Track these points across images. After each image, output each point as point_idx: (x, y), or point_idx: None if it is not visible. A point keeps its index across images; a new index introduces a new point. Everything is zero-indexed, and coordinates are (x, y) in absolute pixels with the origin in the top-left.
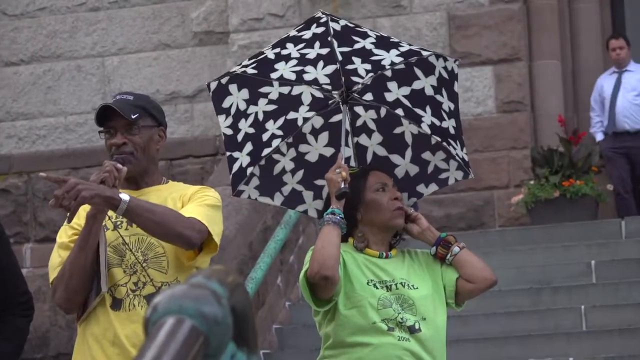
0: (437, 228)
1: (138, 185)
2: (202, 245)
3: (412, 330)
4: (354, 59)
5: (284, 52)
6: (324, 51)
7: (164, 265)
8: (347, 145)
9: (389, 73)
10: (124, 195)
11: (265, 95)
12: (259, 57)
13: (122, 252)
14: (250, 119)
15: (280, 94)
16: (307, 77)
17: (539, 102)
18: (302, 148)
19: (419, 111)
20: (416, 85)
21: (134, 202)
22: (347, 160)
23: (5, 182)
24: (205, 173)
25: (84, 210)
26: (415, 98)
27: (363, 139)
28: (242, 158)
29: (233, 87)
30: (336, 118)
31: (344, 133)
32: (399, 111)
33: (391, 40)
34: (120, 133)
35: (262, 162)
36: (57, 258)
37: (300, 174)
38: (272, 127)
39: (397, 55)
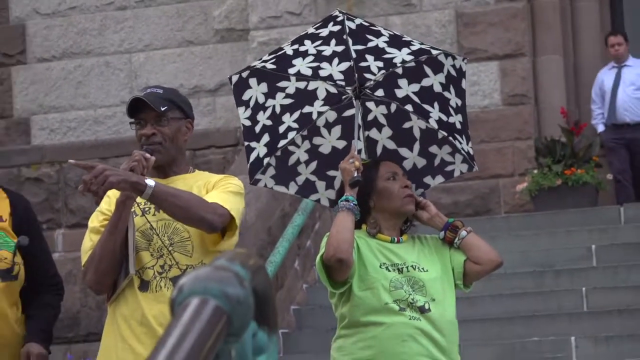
0: (445, 214)
1: (166, 174)
2: (225, 229)
3: (422, 310)
4: (367, 56)
5: (302, 48)
6: (339, 49)
7: (189, 249)
8: (358, 138)
9: (399, 70)
10: (150, 181)
11: (283, 89)
12: (278, 53)
13: (150, 237)
14: (268, 112)
15: (296, 88)
16: (322, 73)
17: (542, 95)
18: (316, 140)
19: (427, 107)
20: (425, 82)
21: (158, 187)
22: (358, 152)
23: (38, 171)
24: (227, 163)
25: (115, 196)
26: (424, 95)
27: (374, 133)
28: (260, 148)
29: (253, 81)
30: (349, 112)
31: (357, 126)
32: (409, 107)
33: (403, 39)
34: (150, 124)
35: (278, 153)
36: (89, 242)
37: (313, 165)
38: (288, 120)
39: (408, 54)
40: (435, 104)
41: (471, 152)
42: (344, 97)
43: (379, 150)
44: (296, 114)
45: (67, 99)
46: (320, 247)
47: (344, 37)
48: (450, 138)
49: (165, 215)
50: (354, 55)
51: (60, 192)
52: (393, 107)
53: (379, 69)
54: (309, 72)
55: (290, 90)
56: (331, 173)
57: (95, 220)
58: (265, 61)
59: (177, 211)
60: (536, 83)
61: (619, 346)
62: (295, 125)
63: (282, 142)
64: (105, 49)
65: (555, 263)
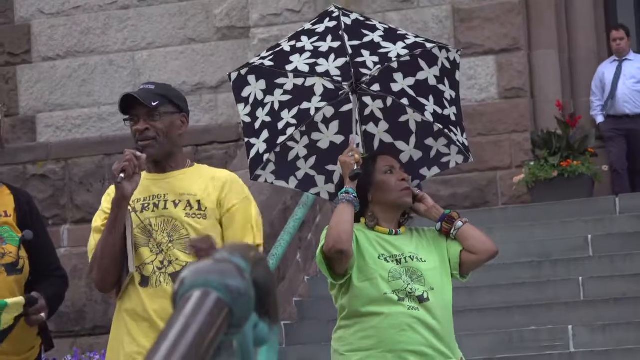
0: (443, 206)
1: (164, 169)
2: None
3: (420, 299)
4: (363, 51)
5: (299, 44)
6: (336, 44)
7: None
8: (356, 133)
9: (395, 65)
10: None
11: (281, 86)
12: (276, 50)
13: (149, 233)
14: (267, 108)
15: (294, 85)
16: (319, 69)
17: (538, 88)
18: (315, 136)
19: (422, 100)
20: (420, 76)
21: None
22: (357, 146)
23: (44, 168)
24: (229, 158)
25: (115, 194)
26: (419, 88)
27: (370, 127)
28: (259, 145)
29: (252, 78)
30: (346, 108)
31: (355, 121)
32: (404, 101)
33: (398, 32)
34: (142, 119)
35: (278, 149)
36: (93, 241)
37: (312, 159)
38: (287, 116)
39: (403, 48)
40: (430, 97)
41: (466, 143)
42: (340, 92)
43: (376, 144)
44: (294, 110)
45: (72, 97)
46: (321, 239)
47: (340, 33)
48: (446, 130)
49: (164, 211)
50: (349, 51)
51: (65, 188)
52: (389, 101)
53: (375, 63)
54: (306, 69)
55: (288, 86)
56: (330, 167)
57: (98, 220)
58: (263, 58)
59: None
60: (532, 77)
61: (615, 334)
62: (293, 121)
63: (281, 138)
64: (109, 48)
65: (552, 253)
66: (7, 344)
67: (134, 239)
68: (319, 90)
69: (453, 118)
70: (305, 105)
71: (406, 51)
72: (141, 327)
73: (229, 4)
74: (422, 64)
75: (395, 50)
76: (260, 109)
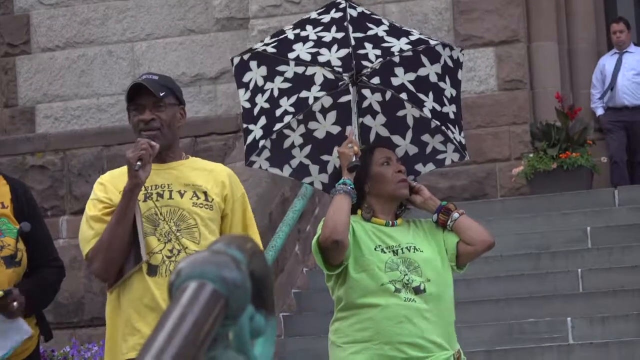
0: (442, 198)
1: (164, 160)
2: None
3: (417, 290)
4: (366, 44)
5: (303, 33)
6: (339, 35)
7: (196, 236)
8: (354, 124)
9: (397, 59)
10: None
11: (282, 73)
12: (280, 37)
13: (156, 222)
14: (266, 95)
15: (295, 73)
16: (321, 58)
17: (538, 80)
18: (311, 125)
19: (422, 96)
20: (421, 72)
21: None
22: None
23: (43, 159)
24: (228, 149)
25: (111, 184)
26: (419, 84)
27: (367, 120)
28: (256, 131)
29: (253, 64)
30: (344, 99)
31: (354, 113)
32: (403, 95)
33: (403, 28)
34: (148, 110)
35: (274, 136)
36: (90, 230)
37: (308, 149)
38: (285, 103)
39: (407, 43)
40: (430, 94)
41: (463, 141)
42: (340, 83)
43: (372, 137)
44: (293, 98)
45: (71, 87)
46: (317, 230)
47: (345, 24)
48: (443, 127)
49: (170, 201)
50: (352, 42)
51: (64, 179)
52: (388, 95)
53: (377, 56)
54: (308, 58)
55: (289, 74)
56: (325, 157)
57: (94, 209)
58: (267, 44)
59: None
60: (531, 68)
61: (614, 326)
62: (291, 110)
63: (277, 126)
64: (108, 39)
65: (551, 245)
66: None
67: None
68: (319, 79)
69: (452, 116)
70: (304, 94)
71: (409, 46)
72: (146, 318)
73: None
74: (424, 60)
75: (399, 45)
76: (260, 95)
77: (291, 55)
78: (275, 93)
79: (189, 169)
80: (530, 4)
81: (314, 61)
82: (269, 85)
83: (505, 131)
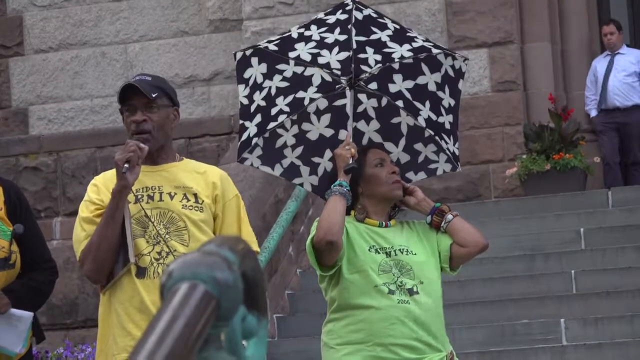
0: (436, 200)
1: (155, 162)
2: None
3: (410, 292)
4: (367, 48)
5: (307, 33)
6: (342, 37)
7: (185, 238)
8: (345, 128)
9: (396, 66)
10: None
11: (281, 72)
12: (284, 35)
13: (145, 224)
14: (264, 93)
15: (294, 72)
16: (320, 60)
17: (531, 81)
18: (305, 126)
19: (418, 105)
20: (420, 80)
21: None
22: None
23: (36, 160)
24: (221, 150)
25: (104, 185)
26: (417, 92)
27: (361, 125)
28: (251, 128)
29: (254, 60)
30: (340, 102)
31: (351, 115)
32: (400, 102)
33: (408, 34)
34: (140, 111)
35: (267, 134)
36: (82, 232)
37: (299, 149)
38: (281, 102)
39: (408, 50)
40: (427, 103)
41: (457, 152)
42: (337, 86)
43: (364, 142)
44: (289, 98)
45: (64, 89)
46: (311, 231)
47: (349, 26)
48: (437, 137)
49: (160, 203)
50: (354, 45)
51: (57, 180)
52: (384, 101)
53: (377, 62)
54: (308, 58)
55: (288, 73)
56: (316, 160)
57: (87, 210)
58: (270, 42)
59: None
60: (525, 70)
61: (607, 327)
62: (286, 109)
63: (271, 124)
64: (101, 40)
65: (545, 246)
66: None
67: (132, 229)
68: (316, 81)
69: (447, 126)
70: (300, 94)
71: (410, 54)
72: (135, 320)
73: None
74: (425, 68)
75: (400, 51)
76: (258, 92)
77: (292, 55)
78: (273, 91)
79: (181, 171)
80: (523, 5)
81: (313, 62)
82: (267, 83)
83: (499, 132)
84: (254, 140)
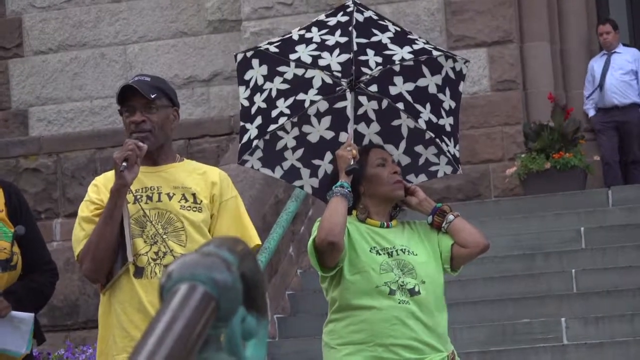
0: (436, 199)
1: (155, 162)
2: None
3: (412, 293)
4: (368, 50)
5: (308, 35)
6: (343, 40)
7: (183, 239)
8: (346, 131)
9: (397, 68)
10: None
11: (282, 74)
12: (285, 37)
13: (143, 224)
14: (265, 95)
15: (294, 74)
16: (321, 62)
17: (530, 80)
18: (305, 128)
19: (418, 107)
20: (421, 82)
21: None
22: None
23: (36, 162)
24: (221, 151)
25: (104, 186)
26: (417, 94)
27: (362, 127)
28: (252, 130)
29: (255, 62)
30: (340, 104)
31: (352, 117)
32: (400, 105)
33: (408, 36)
34: (139, 111)
35: (267, 136)
36: (81, 232)
37: (300, 152)
38: (282, 105)
39: (409, 52)
40: (428, 105)
41: (457, 155)
42: (338, 88)
43: (364, 144)
44: (290, 100)
45: (64, 90)
46: (312, 231)
47: (349, 29)
48: (437, 140)
49: (158, 203)
50: (355, 47)
51: (57, 182)
52: (384, 103)
53: (377, 64)
54: (308, 60)
55: (288, 75)
56: (316, 162)
57: (86, 210)
58: (271, 43)
59: None
60: (524, 69)
61: (608, 327)
62: (287, 111)
63: (272, 127)
64: (101, 41)
65: (545, 246)
66: None
67: (130, 229)
68: (317, 83)
69: (448, 128)
70: (301, 96)
71: (411, 56)
72: (133, 320)
73: None
74: (425, 70)
75: (401, 53)
76: (259, 94)
77: (293, 57)
78: (274, 93)
79: (180, 171)
80: (523, 4)
81: (314, 64)
82: (268, 85)
83: (499, 132)
84: (255, 142)
